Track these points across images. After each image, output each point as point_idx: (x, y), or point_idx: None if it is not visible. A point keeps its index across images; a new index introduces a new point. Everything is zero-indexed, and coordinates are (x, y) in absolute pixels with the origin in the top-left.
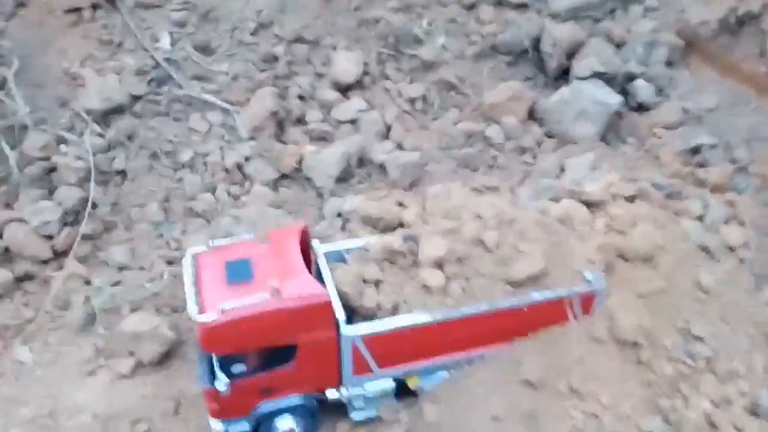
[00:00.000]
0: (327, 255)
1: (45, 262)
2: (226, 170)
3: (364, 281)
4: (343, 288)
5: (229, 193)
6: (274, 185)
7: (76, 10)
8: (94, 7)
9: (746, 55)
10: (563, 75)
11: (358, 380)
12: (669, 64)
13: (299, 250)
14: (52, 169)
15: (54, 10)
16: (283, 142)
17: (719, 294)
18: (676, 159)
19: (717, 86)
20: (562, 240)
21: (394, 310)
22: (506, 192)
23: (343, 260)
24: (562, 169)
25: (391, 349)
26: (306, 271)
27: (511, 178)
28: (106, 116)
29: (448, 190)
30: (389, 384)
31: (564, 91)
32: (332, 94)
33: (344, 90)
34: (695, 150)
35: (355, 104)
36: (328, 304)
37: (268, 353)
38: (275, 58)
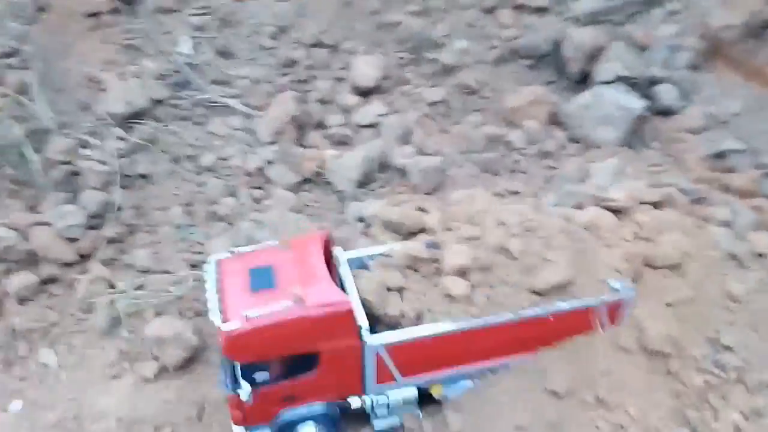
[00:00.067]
0: (349, 262)
1: (69, 265)
2: (248, 174)
3: (388, 289)
4: (366, 296)
5: (251, 197)
6: (296, 189)
7: (96, 14)
8: (114, 11)
9: None
10: (584, 79)
11: (380, 388)
12: (693, 68)
13: (322, 258)
14: (76, 173)
15: (74, 14)
16: (304, 147)
17: (749, 302)
18: (701, 164)
19: (742, 91)
20: (588, 248)
21: (418, 319)
22: (529, 197)
23: (365, 267)
24: (586, 174)
25: (414, 357)
26: (329, 278)
27: (534, 182)
28: (127, 120)
29: (472, 195)
30: (412, 392)
31: (586, 95)
32: (352, 99)
33: (364, 94)
34: (720, 155)
35: (375, 108)
36: (350, 313)
37: (291, 361)
38: (295, 63)
